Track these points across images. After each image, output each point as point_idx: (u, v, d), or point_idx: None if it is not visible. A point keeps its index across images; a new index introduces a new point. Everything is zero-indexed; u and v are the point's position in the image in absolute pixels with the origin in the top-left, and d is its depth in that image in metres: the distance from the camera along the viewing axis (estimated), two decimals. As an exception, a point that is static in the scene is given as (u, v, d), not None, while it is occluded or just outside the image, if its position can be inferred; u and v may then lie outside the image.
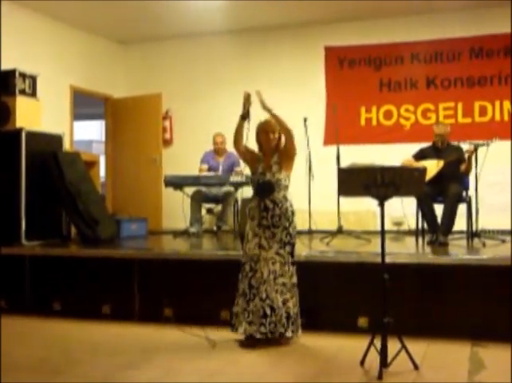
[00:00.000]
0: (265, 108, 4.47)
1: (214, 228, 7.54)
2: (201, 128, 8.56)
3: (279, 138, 4.59)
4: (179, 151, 8.90)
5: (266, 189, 4.49)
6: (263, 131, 4.58)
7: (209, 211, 7.65)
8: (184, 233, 7.16)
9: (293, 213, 4.53)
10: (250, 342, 4.46)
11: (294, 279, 4.50)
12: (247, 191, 6.91)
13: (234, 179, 7.00)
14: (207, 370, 4.00)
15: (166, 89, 8.81)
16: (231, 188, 7.17)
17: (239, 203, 7.16)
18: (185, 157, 8.42)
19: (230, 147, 7.67)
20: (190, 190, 7.32)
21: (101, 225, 6.45)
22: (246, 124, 4.55)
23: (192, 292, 5.34)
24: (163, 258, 5.60)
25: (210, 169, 7.56)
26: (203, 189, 7.37)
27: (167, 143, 9.03)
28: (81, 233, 6.46)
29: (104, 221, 6.58)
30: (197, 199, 7.34)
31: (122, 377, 3.86)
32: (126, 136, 9.04)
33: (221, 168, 7.59)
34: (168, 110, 9.00)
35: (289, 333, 4.44)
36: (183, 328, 5.04)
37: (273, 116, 4.48)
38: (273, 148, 4.59)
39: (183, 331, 4.97)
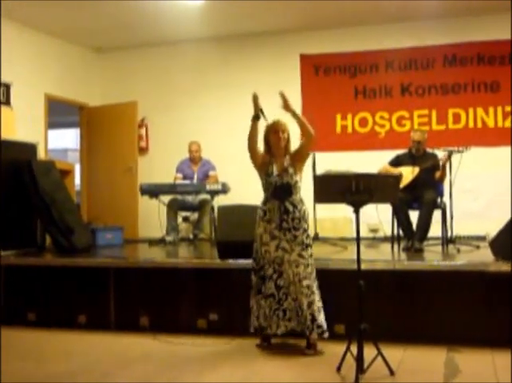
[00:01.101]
0: (288, 109, 4.44)
1: (191, 236, 7.51)
2: (177, 136, 8.53)
3: (288, 139, 4.56)
4: (154, 159, 8.87)
5: (285, 192, 4.47)
6: (274, 131, 4.53)
7: (185, 219, 7.63)
8: (160, 241, 7.12)
9: (308, 215, 4.55)
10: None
11: (317, 282, 4.49)
12: (223, 199, 6.92)
13: (210, 187, 6.99)
14: (182, 379, 3.98)
15: (142, 97, 8.78)
16: (207, 196, 7.16)
17: (216, 210, 7.14)
18: (161, 165, 8.40)
19: (205, 154, 7.73)
20: (166, 198, 7.29)
21: (76, 234, 6.39)
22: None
23: (169, 301, 5.32)
24: (139, 267, 5.57)
25: (185, 177, 7.53)
26: (179, 197, 7.35)
27: (143, 151, 8.99)
28: (56, 242, 6.39)
29: (80, 230, 6.52)
30: (173, 208, 7.31)
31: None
32: (101, 145, 8.98)
33: (196, 176, 7.57)
34: (144, 118, 8.96)
35: (315, 335, 4.42)
36: (160, 337, 5.01)
37: (297, 117, 4.47)
38: (284, 150, 4.55)
39: (158, 340, 4.94)
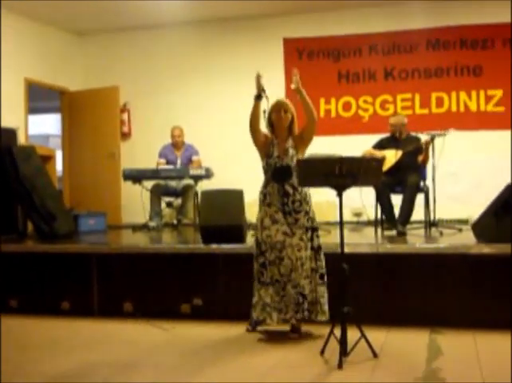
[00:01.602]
0: (297, 89, 4.34)
1: (174, 222, 7.48)
2: (160, 121, 8.48)
3: (292, 120, 4.45)
4: (137, 144, 8.81)
5: (285, 174, 4.37)
6: (275, 110, 4.42)
7: (169, 204, 7.60)
8: (144, 227, 7.09)
9: (310, 197, 4.46)
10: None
11: (315, 265, 4.38)
12: (207, 184, 6.89)
13: (193, 172, 6.96)
14: (165, 365, 3.98)
15: (124, 82, 8.70)
16: (191, 181, 7.13)
17: (199, 196, 7.12)
18: (144, 151, 8.35)
19: (188, 139, 7.68)
20: (149, 183, 7.25)
21: (58, 220, 6.33)
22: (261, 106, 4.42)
23: (152, 286, 5.30)
24: (122, 253, 5.53)
25: (168, 162, 7.49)
26: (162, 182, 7.31)
27: (126, 136, 8.93)
28: (38, 228, 6.33)
29: (62, 216, 6.46)
30: (156, 193, 7.28)
31: (82, 374, 3.80)
32: (83, 130, 8.90)
33: (179, 161, 7.53)
34: (126, 103, 8.89)
35: (321, 318, 4.35)
36: (144, 322, 5.00)
37: (305, 100, 4.36)
38: (287, 130, 4.45)
39: (151, 325, 4.93)
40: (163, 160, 7.52)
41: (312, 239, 4.39)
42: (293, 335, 4.45)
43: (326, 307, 4.38)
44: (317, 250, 4.40)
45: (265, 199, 4.43)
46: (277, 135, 4.47)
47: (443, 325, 4.58)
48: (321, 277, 4.39)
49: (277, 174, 4.39)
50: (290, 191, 4.37)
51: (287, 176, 4.37)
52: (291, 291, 4.35)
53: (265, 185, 4.45)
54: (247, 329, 4.63)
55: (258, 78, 4.41)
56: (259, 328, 4.60)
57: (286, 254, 4.35)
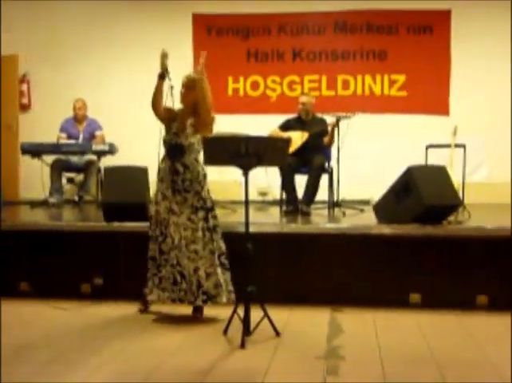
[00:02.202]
0: (199, 70, 4.36)
1: (76, 198, 7.23)
2: (63, 94, 8.12)
3: (198, 97, 4.34)
4: (38, 117, 8.42)
5: (177, 151, 4.30)
6: (181, 85, 4.36)
7: (70, 180, 7.35)
8: (43, 203, 6.81)
9: (204, 177, 4.38)
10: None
11: (212, 246, 4.31)
12: (110, 160, 6.70)
13: (96, 147, 6.75)
14: (62, 345, 3.85)
15: (24, 51, 8.29)
16: (94, 157, 6.91)
17: (102, 172, 6.93)
18: (45, 124, 7.97)
19: (92, 114, 7.44)
20: (49, 158, 6.97)
21: (-50, 195, 5.99)
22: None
23: (51, 265, 5.11)
24: (18, 230, 5.29)
25: (70, 137, 7.20)
26: (64, 157, 7.03)
27: (25, 108, 8.52)
28: None
29: (-46, 190, 6.11)
30: (57, 168, 7.00)
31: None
32: (-22, 100, 8.43)
33: (81, 136, 7.25)
34: (26, 73, 8.47)
35: (199, 302, 4.30)
36: (42, 302, 4.83)
37: (198, 79, 4.35)
38: (190, 108, 4.35)
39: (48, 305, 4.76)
40: (64, 135, 7.23)
41: (206, 220, 4.34)
42: (196, 314, 4.42)
43: (230, 288, 4.36)
44: (212, 230, 4.35)
45: (158, 174, 4.41)
46: (181, 110, 4.41)
47: (345, 303, 4.69)
48: (219, 257, 4.35)
49: (170, 151, 4.36)
50: (181, 169, 4.32)
51: (179, 154, 4.32)
52: (169, 270, 4.32)
53: (162, 160, 4.43)
54: (140, 309, 4.56)
55: (164, 57, 4.35)
56: (153, 309, 4.56)
57: (169, 232, 4.32)
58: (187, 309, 4.45)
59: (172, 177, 4.32)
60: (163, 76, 4.34)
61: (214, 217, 4.39)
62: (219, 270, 4.32)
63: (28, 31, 8.51)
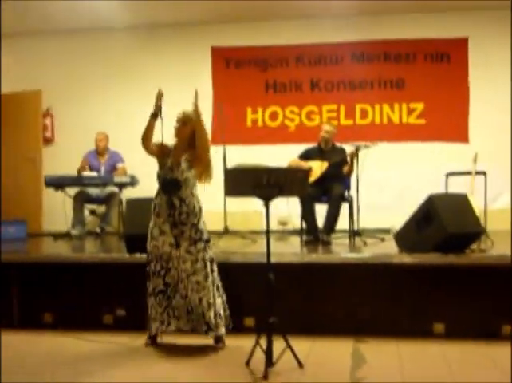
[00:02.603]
0: (195, 110, 4.36)
1: (98, 230, 7.31)
2: (84, 128, 8.26)
3: (191, 133, 4.38)
4: (61, 150, 8.55)
5: (173, 186, 4.35)
6: (176, 121, 4.42)
7: (92, 212, 7.43)
8: (66, 235, 6.89)
9: (200, 209, 4.42)
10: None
11: (212, 277, 4.37)
12: (131, 192, 6.77)
13: (118, 179, 6.83)
14: (80, 373, 3.86)
15: (48, 86, 8.44)
16: (115, 189, 6.99)
17: (124, 203, 6.99)
18: (67, 157, 8.10)
19: (113, 146, 7.54)
20: (72, 191, 7.06)
21: (-25, 228, 6.08)
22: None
23: (74, 296, 5.16)
24: (43, 262, 5.35)
25: (91, 169, 7.31)
26: (86, 189, 7.13)
27: (48, 141, 8.66)
28: (-47, 237, 6.06)
29: (-21, 224, 6.21)
30: (79, 200, 7.09)
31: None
32: (3, 134, 8.56)
33: (103, 168, 7.37)
34: (49, 108, 8.63)
35: (222, 330, 4.37)
36: (65, 333, 4.85)
37: (196, 120, 4.36)
38: (185, 143, 4.40)
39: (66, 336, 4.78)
40: (85, 162, 7.33)
41: (205, 251, 4.38)
42: (219, 345, 4.42)
43: (227, 315, 4.47)
44: (211, 262, 4.41)
45: (154, 209, 4.44)
46: (176, 146, 4.46)
47: (367, 334, 4.65)
48: (218, 289, 4.42)
49: (166, 186, 4.39)
50: (177, 203, 4.36)
51: (175, 189, 4.36)
52: (181, 301, 4.36)
53: (156, 196, 4.46)
54: (146, 343, 4.53)
55: (159, 96, 4.42)
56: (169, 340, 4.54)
57: (173, 265, 4.36)
58: (205, 340, 4.44)
59: (169, 211, 4.36)
60: (156, 115, 4.39)
61: (211, 249, 4.45)
62: (219, 301, 4.39)
63: (51, 66, 8.69)
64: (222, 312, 4.40)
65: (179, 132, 4.41)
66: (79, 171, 7.03)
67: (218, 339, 4.42)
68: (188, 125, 4.39)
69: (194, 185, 4.44)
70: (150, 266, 4.41)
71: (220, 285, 4.46)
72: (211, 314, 4.32)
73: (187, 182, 4.38)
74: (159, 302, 4.40)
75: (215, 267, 4.45)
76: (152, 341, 4.52)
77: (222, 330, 4.38)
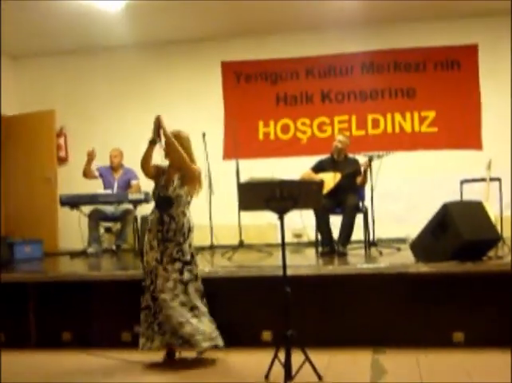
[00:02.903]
0: (164, 134, 4.38)
1: (114, 247, 7.34)
2: (97, 146, 8.27)
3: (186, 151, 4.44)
4: (75, 169, 8.56)
5: (165, 203, 4.41)
6: (164, 142, 4.46)
7: (107, 229, 7.46)
8: (82, 253, 6.93)
9: (189, 229, 4.45)
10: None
11: (184, 298, 4.35)
12: (147, 209, 6.80)
13: (132, 196, 6.86)
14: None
15: (60, 106, 8.54)
16: (130, 206, 7.02)
17: (139, 220, 7.03)
18: (81, 175, 8.14)
19: (126, 162, 7.58)
20: (87, 209, 7.10)
21: (-8, 248, 6.12)
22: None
23: (92, 314, 5.17)
24: (59, 281, 5.38)
25: (105, 185, 7.36)
26: (101, 207, 7.17)
27: (63, 161, 8.74)
28: (-29, 258, 6.11)
29: (-4, 244, 6.25)
30: (94, 218, 7.12)
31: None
32: (18, 155, 8.66)
33: (116, 185, 7.40)
34: (63, 127, 8.71)
35: (200, 348, 4.37)
36: (83, 351, 4.86)
37: (169, 143, 4.38)
38: (176, 163, 4.45)
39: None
40: (97, 173, 7.38)
41: (181, 272, 4.38)
42: (167, 359, 4.47)
43: (214, 335, 4.39)
44: (186, 284, 4.39)
45: (147, 225, 4.52)
46: (169, 164, 4.53)
47: (386, 344, 4.62)
48: (192, 309, 4.38)
49: (158, 203, 4.48)
50: (167, 219, 4.40)
51: (167, 206, 4.41)
52: (168, 316, 4.35)
53: (151, 212, 4.54)
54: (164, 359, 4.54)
55: (158, 122, 4.42)
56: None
57: (158, 280, 4.38)
58: (220, 354, 4.44)
59: (159, 227, 4.41)
60: (154, 141, 4.42)
61: (190, 271, 4.43)
62: (194, 321, 4.34)
63: (64, 86, 8.80)
64: (205, 329, 4.35)
65: (168, 153, 4.47)
66: (89, 155, 7.02)
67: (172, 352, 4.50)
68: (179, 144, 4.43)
69: (186, 203, 4.48)
70: (144, 280, 4.48)
71: (200, 304, 4.42)
72: (187, 331, 4.30)
73: (178, 199, 4.42)
74: (146, 318, 4.43)
75: (193, 289, 4.41)
76: (168, 357, 4.53)
77: (205, 345, 4.35)
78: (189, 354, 4.53)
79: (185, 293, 4.38)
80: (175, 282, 4.35)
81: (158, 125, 4.41)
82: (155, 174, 4.53)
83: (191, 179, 4.45)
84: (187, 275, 4.40)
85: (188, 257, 4.42)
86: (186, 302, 4.37)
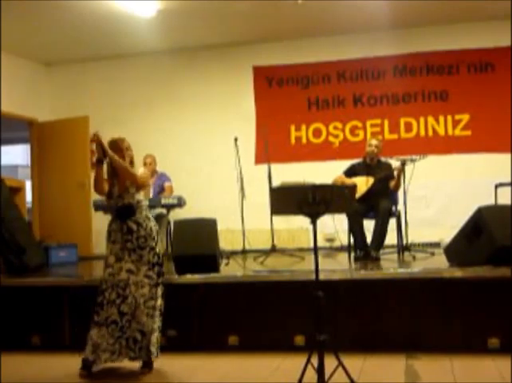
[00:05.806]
0: (103, 149, 4.22)
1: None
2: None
3: (131, 158, 4.45)
4: (108, 174, 8.73)
5: (127, 211, 4.36)
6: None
7: (141, 234, 7.51)
8: (116, 258, 6.99)
9: (157, 232, 4.44)
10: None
11: (159, 302, 4.38)
12: (180, 213, 6.86)
13: (165, 201, 6.92)
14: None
15: (94, 111, 8.65)
16: (163, 210, 7.08)
17: (172, 225, 7.07)
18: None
19: (159, 168, 7.65)
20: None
21: (28, 253, 6.21)
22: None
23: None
24: (94, 285, 5.42)
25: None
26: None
27: (96, 166, 8.83)
28: (8, 262, 6.19)
29: (32, 248, 6.34)
30: (128, 223, 7.19)
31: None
32: (53, 161, 8.81)
33: (152, 190, 7.48)
34: (96, 133, 8.80)
35: (154, 355, 4.33)
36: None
37: (110, 157, 4.26)
38: (122, 174, 4.35)
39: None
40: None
41: (159, 275, 4.39)
42: (144, 370, 4.37)
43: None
44: (157, 286, 4.40)
45: (110, 236, 4.42)
46: (117, 174, 4.39)
47: (419, 350, 4.58)
48: (161, 314, 4.41)
49: (119, 213, 4.39)
50: (134, 227, 4.35)
51: (130, 214, 4.36)
52: (135, 331, 4.29)
53: (110, 223, 4.45)
54: (80, 373, 4.32)
55: (98, 140, 4.24)
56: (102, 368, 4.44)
57: (130, 292, 4.30)
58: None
59: (126, 237, 4.35)
60: (101, 161, 4.29)
61: (163, 273, 4.47)
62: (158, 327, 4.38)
63: (97, 92, 8.92)
64: (159, 338, 4.38)
65: (114, 166, 4.35)
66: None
67: (150, 364, 4.41)
68: (119, 153, 4.36)
69: (147, 207, 4.48)
70: (104, 295, 4.33)
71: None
72: (155, 339, 4.32)
73: (139, 205, 4.40)
74: (111, 333, 4.29)
75: (161, 291, 4.43)
76: (88, 370, 4.34)
77: (156, 354, 4.36)
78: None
79: (160, 296, 4.40)
80: (151, 288, 4.33)
81: (98, 143, 4.23)
82: (109, 186, 4.43)
83: (142, 184, 4.42)
84: (161, 278, 4.43)
85: (161, 259, 4.44)
86: (159, 305, 4.39)
